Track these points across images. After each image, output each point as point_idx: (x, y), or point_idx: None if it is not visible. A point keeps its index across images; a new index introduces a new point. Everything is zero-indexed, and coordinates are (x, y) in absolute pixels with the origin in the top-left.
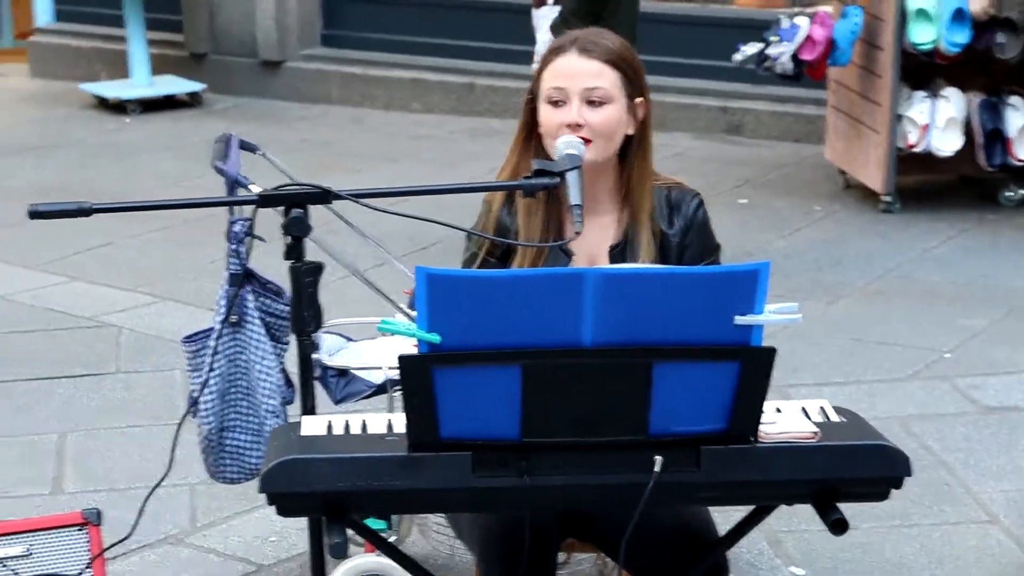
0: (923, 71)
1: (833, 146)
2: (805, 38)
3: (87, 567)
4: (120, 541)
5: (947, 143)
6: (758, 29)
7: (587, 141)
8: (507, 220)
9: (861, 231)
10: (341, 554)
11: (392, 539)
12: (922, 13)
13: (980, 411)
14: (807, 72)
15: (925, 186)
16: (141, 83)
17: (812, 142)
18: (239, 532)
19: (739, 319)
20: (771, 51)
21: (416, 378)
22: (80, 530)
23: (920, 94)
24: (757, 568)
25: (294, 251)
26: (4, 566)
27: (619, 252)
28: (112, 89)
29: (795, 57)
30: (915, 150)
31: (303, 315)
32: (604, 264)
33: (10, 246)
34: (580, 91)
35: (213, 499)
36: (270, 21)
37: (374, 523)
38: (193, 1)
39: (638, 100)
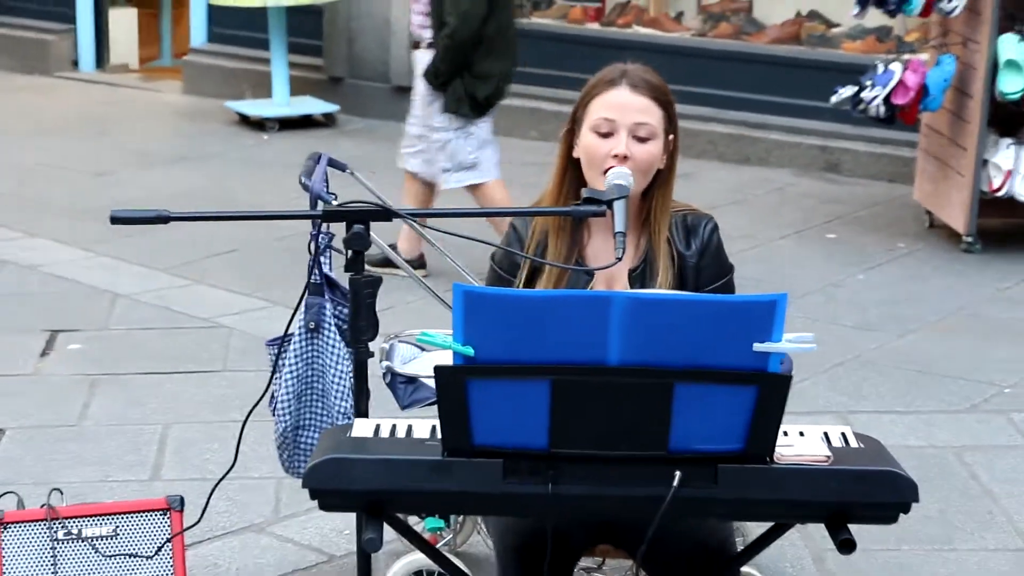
0: (1011, 119)
1: (921, 187)
2: (897, 83)
3: (166, 549)
4: (191, 527)
5: None
6: (859, 73)
7: None
8: (537, 254)
9: (940, 269)
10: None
11: (447, 539)
12: (1012, 64)
13: None
14: (899, 116)
15: (1007, 228)
16: (281, 103)
17: (904, 182)
18: (316, 524)
19: (757, 346)
20: (865, 95)
21: (451, 388)
22: (164, 515)
23: (1006, 141)
24: None
25: (354, 264)
26: (89, 544)
27: (638, 275)
28: (254, 107)
29: (888, 101)
30: (998, 194)
31: (359, 324)
32: (622, 285)
33: (145, 250)
34: (629, 125)
35: (296, 492)
36: (402, 50)
37: (433, 522)
38: (333, 29)
39: (671, 137)
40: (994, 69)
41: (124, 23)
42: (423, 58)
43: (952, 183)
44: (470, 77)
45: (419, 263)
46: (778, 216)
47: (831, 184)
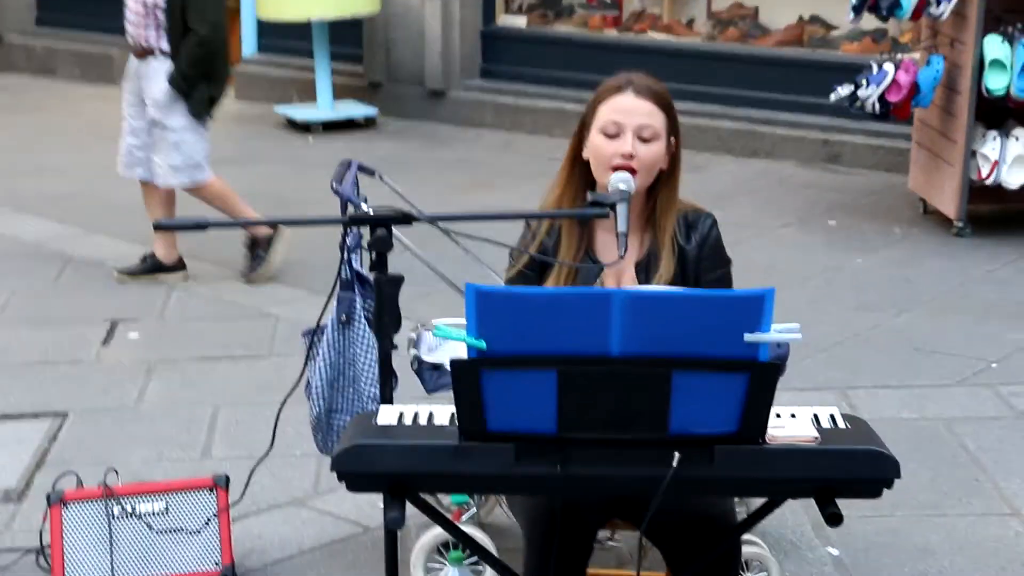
0: (996, 113)
1: (915, 177)
2: (891, 82)
3: (212, 523)
4: (235, 503)
5: (1015, 177)
6: (856, 72)
7: (633, 172)
8: (547, 241)
9: (933, 252)
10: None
11: (472, 512)
12: (997, 63)
13: (1016, 415)
14: (893, 112)
15: (995, 214)
16: (325, 107)
17: (900, 172)
18: (353, 498)
19: (748, 336)
20: (861, 92)
21: (466, 378)
22: (210, 492)
23: (992, 133)
24: (798, 547)
25: (378, 265)
26: (143, 520)
27: (643, 267)
28: (300, 112)
29: (882, 99)
30: (987, 182)
31: (384, 320)
32: (629, 277)
33: (198, 245)
34: (635, 127)
35: None
36: (437, 57)
37: (458, 498)
38: (373, 38)
39: (672, 139)
40: (980, 67)
41: None
42: (160, 66)
43: (944, 173)
44: (212, 80)
45: (179, 266)
46: (783, 205)
47: (832, 175)
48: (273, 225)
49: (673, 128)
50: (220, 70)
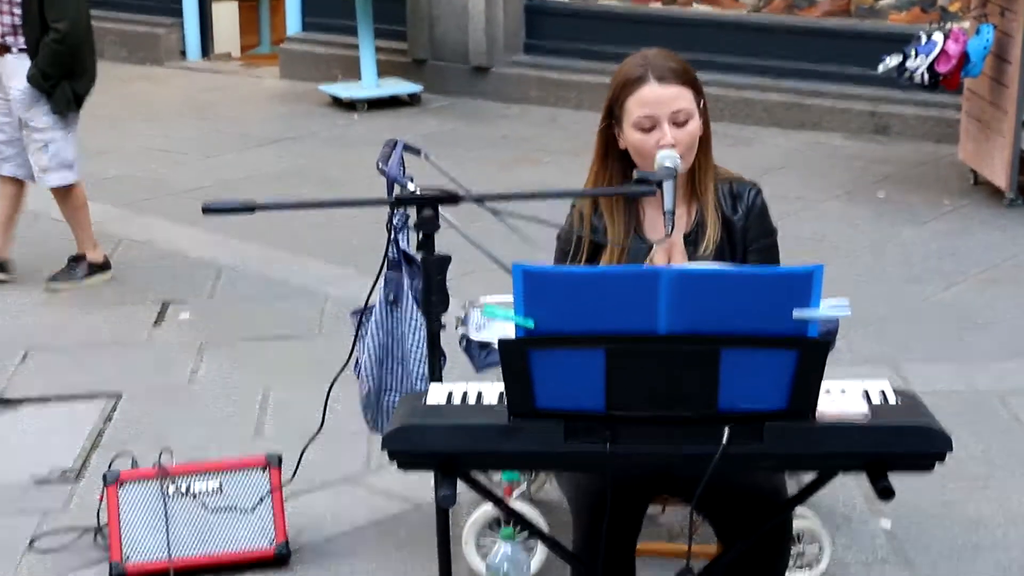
0: None
1: (965, 147)
2: (940, 52)
3: (266, 502)
4: (287, 482)
5: None
6: (905, 42)
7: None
8: (595, 221)
9: (983, 224)
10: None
11: (522, 488)
12: None
13: None
14: (942, 83)
15: None
16: (369, 85)
17: (950, 143)
18: (404, 476)
19: (797, 313)
20: (909, 63)
21: (514, 357)
22: (263, 470)
23: None
24: (850, 520)
25: (424, 245)
26: (197, 499)
27: (692, 239)
28: (345, 90)
29: (931, 69)
30: None
31: (431, 299)
32: (680, 251)
33: (247, 225)
34: (668, 115)
35: None
36: (480, 33)
37: (508, 474)
38: (416, 15)
39: (702, 104)
40: None
41: (226, 15)
42: (19, 63)
43: (994, 143)
44: (75, 77)
45: (106, 265)
46: (831, 177)
47: (880, 146)
48: (106, 264)
49: (700, 96)
50: (84, 65)
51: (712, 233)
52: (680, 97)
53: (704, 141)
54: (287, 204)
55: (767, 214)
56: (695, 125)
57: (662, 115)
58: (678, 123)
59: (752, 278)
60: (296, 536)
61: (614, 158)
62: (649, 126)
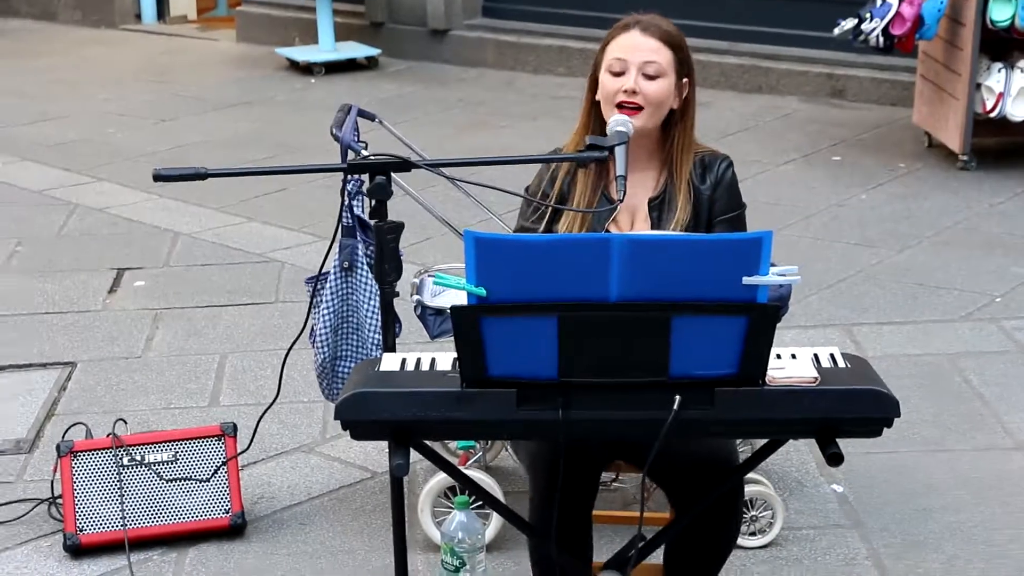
0: (1001, 45)
1: (920, 110)
2: (895, 15)
3: (221, 472)
4: (243, 451)
5: (1019, 109)
6: (860, 5)
7: (639, 108)
8: (566, 180)
9: (937, 187)
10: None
11: (478, 456)
12: None
13: (1020, 349)
14: (897, 45)
15: (999, 147)
16: (327, 48)
17: (905, 106)
18: (360, 444)
19: (746, 279)
20: (865, 26)
21: (466, 325)
22: (218, 440)
23: (997, 65)
24: (802, 485)
25: (377, 212)
26: (152, 469)
27: (657, 204)
28: (302, 53)
29: (886, 32)
30: (991, 115)
31: (384, 267)
32: (643, 213)
33: (203, 191)
34: (639, 64)
35: None
36: None
37: (463, 443)
38: None
39: (684, 80)
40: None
41: None
42: None
43: (948, 106)
44: None
45: None
46: (787, 140)
47: (836, 109)
48: None
49: (684, 69)
50: None
51: (682, 211)
52: (657, 52)
53: (684, 119)
54: (239, 171)
55: (736, 188)
56: (664, 85)
57: (633, 61)
58: (647, 75)
59: (702, 244)
60: (252, 506)
61: (595, 111)
62: (619, 70)
